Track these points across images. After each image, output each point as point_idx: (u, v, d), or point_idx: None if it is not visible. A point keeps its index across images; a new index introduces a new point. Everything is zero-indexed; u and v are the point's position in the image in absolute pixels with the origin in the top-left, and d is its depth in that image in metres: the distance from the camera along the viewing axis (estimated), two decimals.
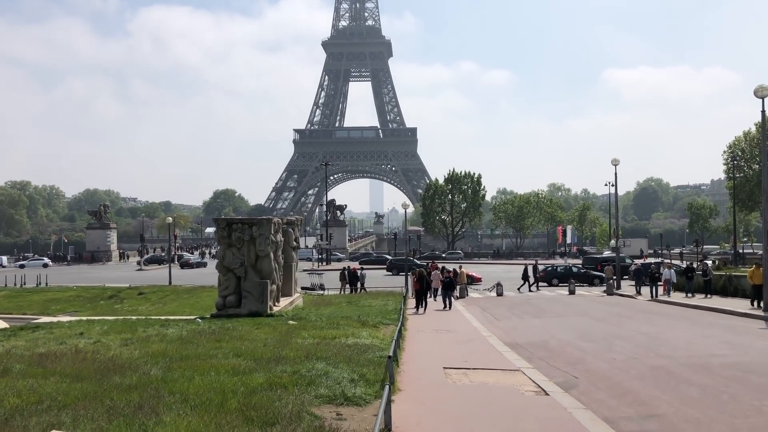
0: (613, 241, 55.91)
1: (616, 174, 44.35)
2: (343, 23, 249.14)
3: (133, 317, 24.36)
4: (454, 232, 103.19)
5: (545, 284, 46.14)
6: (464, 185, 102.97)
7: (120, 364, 12.31)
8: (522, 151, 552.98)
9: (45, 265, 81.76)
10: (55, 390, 10.08)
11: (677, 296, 33.70)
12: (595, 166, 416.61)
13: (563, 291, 40.36)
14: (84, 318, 24.87)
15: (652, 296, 34.36)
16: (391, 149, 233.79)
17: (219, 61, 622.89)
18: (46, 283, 48.54)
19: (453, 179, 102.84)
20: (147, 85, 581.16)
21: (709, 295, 32.52)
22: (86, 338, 16.46)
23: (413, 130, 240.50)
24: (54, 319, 25.93)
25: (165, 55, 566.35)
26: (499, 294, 37.79)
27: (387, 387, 8.18)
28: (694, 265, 38.66)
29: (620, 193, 69.71)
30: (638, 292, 36.60)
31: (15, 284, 48.44)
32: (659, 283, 34.99)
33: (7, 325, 24.87)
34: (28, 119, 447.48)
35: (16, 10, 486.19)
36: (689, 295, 32.96)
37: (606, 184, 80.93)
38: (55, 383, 10.61)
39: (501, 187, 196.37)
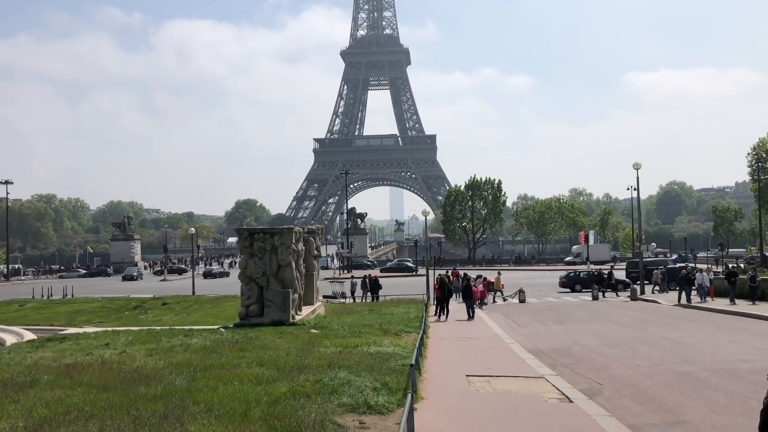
0: (632, 246, 55.29)
1: (638, 178, 44.00)
2: (361, 32, 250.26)
3: (158, 327, 24.59)
4: (475, 239, 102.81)
5: (568, 290, 45.79)
6: (485, 191, 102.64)
7: (145, 375, 12.43)
8: (543, 156, 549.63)
9: (82, 276, 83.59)
10: (82, 400, 10.21)
11: (720, 302, 31.62)
12: (617, 171, 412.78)
13: (586, 297, 40.01)
14: (109, 329, 25.16)
15: (686, 301, 32.65)
16: (410, 157, 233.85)
17: (241, 72, 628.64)
18: (72, 295, 49.20)
19: (473, 186, 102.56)
20: (170, 98, 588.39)
21: (756, 302, 30.08)
22: (112, 349, 16.65)
23: (432, 137, 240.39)
24: (80, 330, 26.27)
25: (188, 68, 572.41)
26: (522, 300, 37.56)
27: (409, 395, 8.19)
28: (730, 267, 37.44)
29: (643, 197, 69.12)
30: (688, 300, 33.14)
31: (42, 296, 49.17)
32: (693, 287, 33.10)
33: (35, 337, 25.27)
34: (55, 134, 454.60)
35: (43, 28, 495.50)
36: (733, 302, 30.67)
37: (628, 189, 79.85)
38: (82, 394, 10.75)
39: (522, 193, 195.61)
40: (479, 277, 38.41)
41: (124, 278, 75.93)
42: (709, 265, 42.23)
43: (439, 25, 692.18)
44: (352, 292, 42.20)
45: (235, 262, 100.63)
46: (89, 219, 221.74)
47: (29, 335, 26.99)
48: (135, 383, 11.56)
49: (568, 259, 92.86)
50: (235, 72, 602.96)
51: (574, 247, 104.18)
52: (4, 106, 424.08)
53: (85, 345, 17.77)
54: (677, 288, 34.87)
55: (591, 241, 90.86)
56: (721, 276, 35.53)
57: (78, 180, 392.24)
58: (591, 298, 38.33)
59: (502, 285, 40.83)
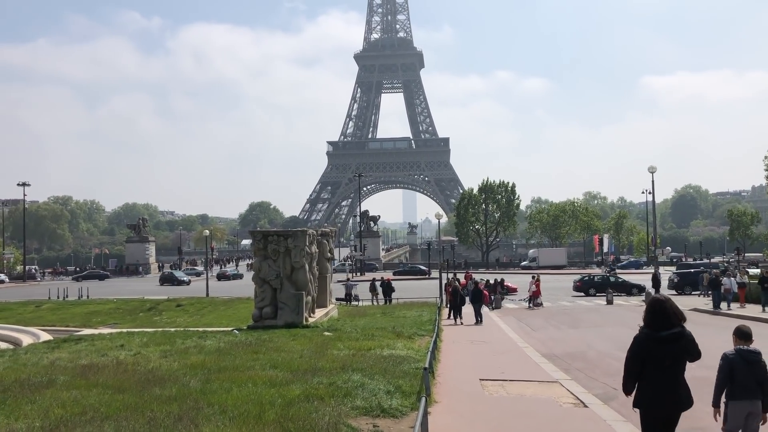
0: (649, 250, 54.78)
1: (653, 181, 43.76)
2: (375, 36, 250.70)
3: (172, 329, 24.72)
4: (489, 242, 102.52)
5: (582, 294, 45.54)
6: (498, 194, 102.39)
7: (160, 376, 12.50)
8: (557, 159, 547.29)
9: (198, 274, 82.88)
10: (98, 401, 10.29)
11: (753, 309, 30.19)
12: (631, 174, 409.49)
13: (601, 301, 39.76)
14: (124, 330, 25.33)
15: (715, 306, 31.52)
16: (423, 159, 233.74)
17: (257, 76, 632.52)
18: (88, 296, 49.59)
19: (487, 188, 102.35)
20: (187, 101, 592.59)
21: None
22: (127, 350, 16.76)
23: (446, 140, 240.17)
24: (95, 331, 26.46)
25: (205, 71, 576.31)
26: (536, 305, 37.39)
27: (423, 399, 8.16)
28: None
29: (658, 200, 68.68)
30: (714, 305, 32.07)
31: (58, 297, 49.58)
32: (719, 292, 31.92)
33: (51, 337, 25.49)
34: (72, 136, 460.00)
35: (62, 32, 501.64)
36: (765, 309, 29.36)
37: (643, 192, 79.73)
38: (98, 394, 10.83)
39: (536, 196, 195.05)
40: (535, 276, 38.64)
41: (219, 278, 74.79)
42: (738, 268, 40.52)
43: (455, 29, 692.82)
44: (348, 294, 42.16)
45: (249, 265, 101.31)
46: (104, 221, 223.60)
47: (45, 336, 27.23)
48: (150, 384, 11.63)
49: (523, 263, 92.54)
50: (252, 75, 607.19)
51: (530, 251, 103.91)
52: (24, 109, 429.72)
53: (101, 346, 17.90)
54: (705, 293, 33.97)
55: (605, 246, 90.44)
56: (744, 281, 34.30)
57: (94, 182, 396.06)
58: (605, 302, 38.09)
59: (503, 287, 40.54)
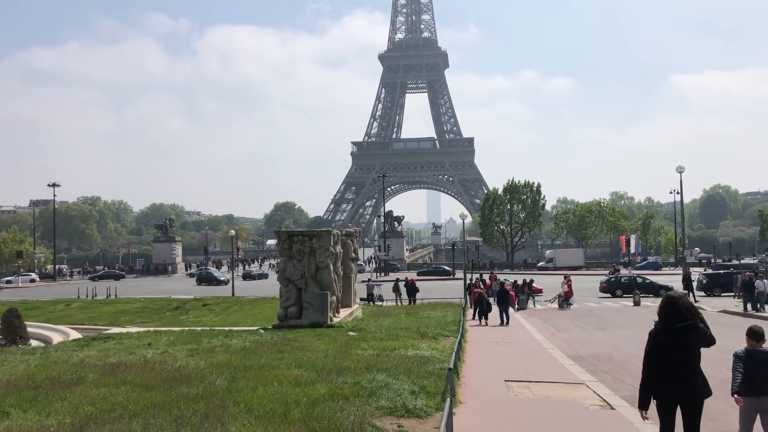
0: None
1: (681, 181, 43.20)
2: (399, 36, 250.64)
3: (198, 328, 24.99)
4: (514, 243, 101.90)
5: (609, 295, 45.04)
6: (523, 195, 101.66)
7: (186, 374, 12.63)
8: (583, 159, 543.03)
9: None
10: (126, 399, 10.43)
11: None
12: (659, 174, 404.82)
13: (627, 302, 39.28)
14: (151, 329, 25.66)
15: (747, 309, 30.56)
16: (448, 160, 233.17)
17: (282, 77, 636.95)
18: (115, 295, 50.31)
19: (512, 189, 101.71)
20: (213, 102, 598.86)
21: None
22: (154, 349, 16.97)
23: (470, 140, 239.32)
24: (123, 330, 26.86)
25: (231, 72, 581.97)
26: (560, 305, 37.09)
27: (448, 399, 8.14)
28: None
29: (686, 200, 67.67)
30: (745, 308, 31.01)
31: (87, 296, 50.38)
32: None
33: (80, 336, 25.95)
34: (100, 137, 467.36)
35: (91, 34, 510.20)
36: None
37: (671, 192, 78.57)
38: (126, 392, 10.98)
39: (561, 196, 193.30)
40: (567, 277, 38.41)
41: (245, 278, 75.00)
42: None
43: (481, 29, 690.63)
44: (370, 294, 42.18)
45: (272, 264, 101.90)
46: (132, 221, 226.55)
47: (75, 334, 27.72)
48: (177, 383, 11.75)
49: (540, 264, 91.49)
50: (277, 76, 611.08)
51: (547, 252, 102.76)
52: (54, 111, 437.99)
53: (129, 345, 18.14)
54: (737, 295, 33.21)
55: (632, 246, 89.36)
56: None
57: (122, 183, 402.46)
58: (632, 304, 37.62)
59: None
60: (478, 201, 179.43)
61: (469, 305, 34.66)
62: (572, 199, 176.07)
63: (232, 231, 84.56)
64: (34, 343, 25.95)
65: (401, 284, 42.83)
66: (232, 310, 37.05)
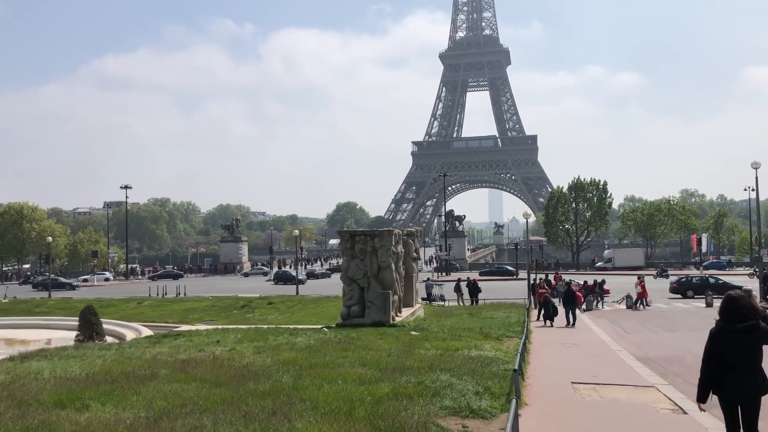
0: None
1: (756, 177, 41.28)
2: (460, 34, 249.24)
3: (264, 326, 25.48)
4: (579, 242, 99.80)
5: (679, 296, 43.58)
6: (589, 193, 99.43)
7: (254, 371, 12.91)
8: (651, 156, 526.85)
9: (265, 273, 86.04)
10: (197, 395, 10.73)
11: None
12: (732, 170, 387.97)
13: (699, 303, 37.91)
14: (219, 326, 26.30)
15: None
16: (510, 158, 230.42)
17: (344, 78, 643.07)
18: (185, 294, 51.81)
19: (577, 187, 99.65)
20: (277, 105, 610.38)
21: None
22: (222, 346, 17.40)
23: (533, 138, 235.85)
24: (192, 328, 27.66)
25: (294, 75, 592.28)
26: (629, 306, 36.10)
27: (514, 401, 8.04)
28: None
29: (762, 197, 64.52)
30: None
31: (158, 294, 52.08)
32: None
33: (152, 333, 26.87)
34: (169, 140, 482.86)
35: (161, 41, 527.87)
36: None
37: (745, 189, 75.28)
38: (197, 388, 11.30)
39: (629, 194, 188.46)
40: (640, 277, 37.53)
41: (308, 276, 74.32)
42: None
43: (544, 24, 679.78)
44: (429, 294, 41.99)
45: (330, 264, 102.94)
46: (200, 221, 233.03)
47: (147, 331, 28.72)
48: (244, 379, 12.02)
49: (598, 264, 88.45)
50: (339, 78, 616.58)
51: (606, 251, 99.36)
52: (126, 116, 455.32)
53: (198, 342, 18.66)
54: None
55: (704, 246, 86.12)
56: None
57: (190, 184, 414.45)
58: (704, 305, 36.28)
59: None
60: (541, 200, 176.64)
61: (533, 306, 34.18)
62: (640, 197, 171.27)
63: (296, 231, 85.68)
64: (109, 339, 27.02)
65: (463, 284, 42.58)
66: (296, 309, 37.59)
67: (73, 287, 70.66)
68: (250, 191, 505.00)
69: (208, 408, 9.78)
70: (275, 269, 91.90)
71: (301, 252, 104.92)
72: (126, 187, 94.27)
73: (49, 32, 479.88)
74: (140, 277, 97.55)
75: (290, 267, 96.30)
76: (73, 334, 27.77)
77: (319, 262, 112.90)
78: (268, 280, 75.68)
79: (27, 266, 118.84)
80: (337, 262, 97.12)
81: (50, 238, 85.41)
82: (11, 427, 8.70)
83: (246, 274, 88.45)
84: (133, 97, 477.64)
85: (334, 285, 51.63)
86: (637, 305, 35.49)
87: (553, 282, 40.59)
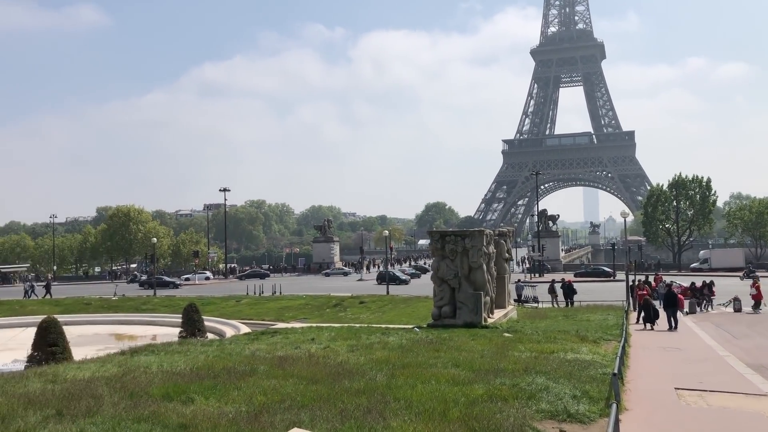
0: None
1: None
2: (552, 29, 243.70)
3: (356, 325, 25.82)
4: (681, 242, 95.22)
5: None
6: (691, 190, 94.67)
7: (348, 369, 13.11)
8: (760, 150, 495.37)
9: (345, 274, 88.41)
10: (294, 391, 11.02)
11: None
12: None
13: None
14: (314, 325, 26.88)
15: None
16: (606, 155, 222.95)
17: (434, 78, 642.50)
18: (280, 292, 53.31)
19: (678, 184, 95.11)
20: (367, 107, 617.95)
21: None
22: (317, 344, 17.77)
23: (630, 134, 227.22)
24: (288, 325, 28.40)
25: (383, 77, 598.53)
26: (737, 310, 34.13)
27: (614, 405, 7.79)
28: None
29: None
30: None
31: (254, 293, 53.86)
32: None
33: (250, 330, 27.80)
34: (265, 144, 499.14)
35: (256, 48, 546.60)
36: None
37: None
38: (294, 384, 11.60)
39: (735, 191, 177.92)
40: (754, 279, 35.86)
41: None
42: None
43: (641, 16, 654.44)
44: (519, 296, 41.08)
45: (416, 263, 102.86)
46: (294, 222, 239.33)
47: (245, 329, 29.74)
48: (339, 377, 12.23)
49: (693, 265, 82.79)
50: (428, 78, 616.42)
51: (701, 252, 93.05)
52: (224, 121, 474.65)
53: (294, 339, 19.14)
54: None
55: None
56: None
57: (284, 186, 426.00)
58: None
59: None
60: (640, 198, 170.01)
61: (632, 308, 32.94)
62: (748, 194, 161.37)
63: (386, 231, 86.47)
64: (210, 336, 28.14)
65: (557, 285, 41.57)
66: (387, 308, 37.89)
67: (176, 286, 74.09)
68: (341, 192, 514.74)
69: (305, 404, 10.02)
70: (371, 269, 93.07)
71: (391, 252, 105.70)
72: (224, 190, 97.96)
73: (152, 43, 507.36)
74: (238, 275, 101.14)
75: (379, 267, 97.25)
76: (177, 330, 29.10)
77: (409, 262, 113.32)
78: (359, 280, 76.63)
79: (134, 265, 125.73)
80: (425, 263, 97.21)
81: (155, 239, 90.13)
82: (125, 416, 9.24)
83: (327, 274, 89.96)
84: (230, 102, 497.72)
85: (423, 285, 51.72)
86: (759, 308, 33.51)
87: (653, 284, 38.93)
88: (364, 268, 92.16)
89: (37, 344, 19.71)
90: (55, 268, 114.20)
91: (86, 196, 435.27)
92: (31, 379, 12.44)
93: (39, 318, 23.63)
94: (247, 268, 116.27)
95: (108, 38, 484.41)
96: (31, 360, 19.20)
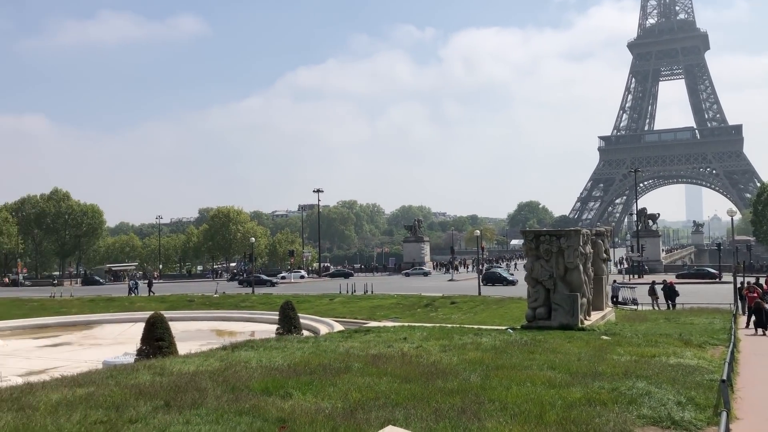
0: None
1: None
2: (651, 21, 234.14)
3: (448, 325, 25.74)
4: None
5: None
6: None
7: (441, 369, 13.10)
8: None
9: (426, 274, 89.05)
10: (388, 389, 11.12)
11: None
12: None
13: None
14: (405, 324, 27.04)
15: None
16: (710, 150, 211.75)
17: (526, 75, 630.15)
18: (371, 291, 53.93)
19: None
20: (457, 106, 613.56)
21: None
22: (409, 343, 17.85)
23: (737, 128, 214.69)
24: (380, 324, 28.71)
25: (474, 76, 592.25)
26: None
27: (724, 413, 7.40)
28: None
29: None
30: None
31: (347, 292, 54.78)
32: None
33: (343, 328, 28.31)
34: (356, 146, 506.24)
35: (347, 51, 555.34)
36: None
37: None
38: (387, 383, 11.71)
39: None
40: None
41: None
42: None
43: (750, 2, 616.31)
44: (614, 297, 39.45)
45: (511, 264, 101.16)
46: (384, 222, 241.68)
47: (338, 326, 30.32)
48: (432, 377, 12.24)
49: None
50: (520, 75, 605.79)
51: None
52: (317, 124, 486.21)
53: (386, 338, 19.31)
54: None
55: None
56: None
57: (375, 186, 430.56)
58: None
59: None
60: (748, 195, 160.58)
61: (741, 312, 31.15)
62: None
63: (477, 231, 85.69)
64: (305, 333, 28.86)
65: (658, 287, 39.85)
66: (479, 309, 37.56)
67: (273, 284, 76.37)
68: (431, 192, 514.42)
69: (399, 402, 10.10)
70: (460, 269, 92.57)
71: (482, 252, 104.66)
72: (318, 191, 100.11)
73: (249, 50, 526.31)
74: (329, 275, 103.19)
75: (470, 267, 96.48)
76: (274, 327, 30.00)
77: (501, 263, 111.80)
78: (450, 280, 76.32)
79: (233, 264, 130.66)
80: (515, 264, 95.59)
81: (253, 239, 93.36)
82: (227, 409, 9.63)
83: (407, 274, 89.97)
84: (324, 105, 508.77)
85: (516, 287, 50.94)
86: None
87: (765, 286, 36.58)
88: (455, 268, 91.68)
89: (145, 338, 20.83)
90: (161, 266, 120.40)
91: (189, 198, 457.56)
92: (141, 372, 13.18)
93: (146, 314, 24.97)
94: (339, 267, 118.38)
95: (208, 46, 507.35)
96: (140, 353, 20.32)
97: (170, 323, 22.06)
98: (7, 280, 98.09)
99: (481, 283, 54.22)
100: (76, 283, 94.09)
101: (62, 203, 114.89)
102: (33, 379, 14.55)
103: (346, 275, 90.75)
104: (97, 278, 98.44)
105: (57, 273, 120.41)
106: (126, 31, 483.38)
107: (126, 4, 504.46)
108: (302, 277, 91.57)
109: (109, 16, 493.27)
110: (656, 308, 37.96)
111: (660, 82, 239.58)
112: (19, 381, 16.01)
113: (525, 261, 26.49)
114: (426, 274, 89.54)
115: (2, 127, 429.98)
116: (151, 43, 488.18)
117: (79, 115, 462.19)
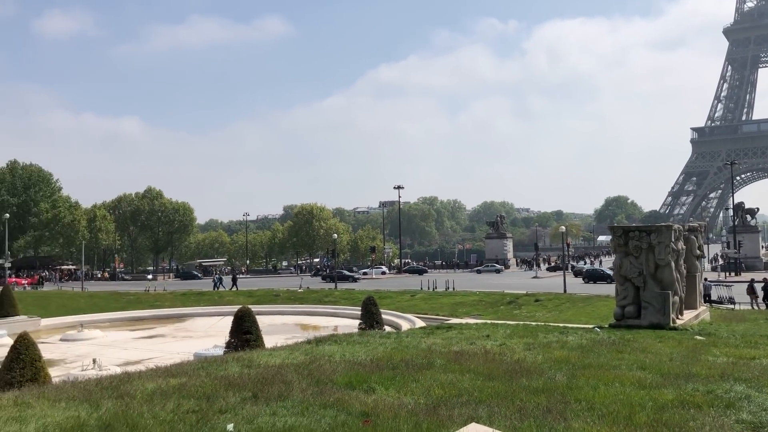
0: None
1: None
2: (749, 5, 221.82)
3: (532, 323, 25.31)
4: None
5: None
6: None
7: (525, 368, 12.88)
8: None
9: (498, 271, 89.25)
10: (471, 386, 11.04)
11: None
12: None
13: None
14: (488, 321, 26.76)
15: None
16: None
17: (613, 66, 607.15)
18: (453, 288, 53.73)
19: None
20: (541, 99, 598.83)
21: None
22: (492, 340, 17.65)
23: None
24: (462, 321, 28.55)
25: (559, 68, 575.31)
26: None
27: None
28: None
29: None
30: None
31: (428, 288, 54.79)
32: None
33: (424, 324, 28.36)
34: (437, 142, 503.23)
35: (428, 47, 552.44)
36: None
37: None
38: (470, 380, 11.62)
39: None
40: None
41: (576, 275, 69.06)
42: None
43: None
44: (706, 296, 37.52)
45: (596, 261, 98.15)
46: (465, 218, 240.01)
47: (419, 322, 30.41)
48: (516, 375, 12.05)
49: None
50: (607, 66, 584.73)
51: None
52: (398, 120, 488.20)
53: (468, 335, 19.16)
54: None
55: None
56: None
57: (456, 182, 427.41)
58: None
59: None
60: None
61: None
62: None
63: (562, 227, 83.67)
64: (386, 328, 29.09)
65: (758, 285, 37.78)
66: (564, 307, 36.76)
67: (355, 279, 77.49)
68: (513, 188, 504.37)
69: (482, 400, 10.00)
70: (541, 266, 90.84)
71: (568, 249, 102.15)
72: (398, 188, 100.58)
73: (331, 50, 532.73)
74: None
75: (554, 262, 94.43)
76: (356, 322, 30.42)
77: (587, 260, 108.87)
78: (534, 277, 75.01)
79: (317, 260, 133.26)
80: (603, 260, 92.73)
81: (335, 235, 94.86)
82: (312, 402, 9.83)
83: (479, 271, 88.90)
84: (405, 102, 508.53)
85: (604, 284, 49.53)
86: None
87: None
88: (538, 265, 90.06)
89: (233, 331, 21.56)
90: (248, 262, 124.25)
91: (274, 195, 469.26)
92: (229, 363, 13.64)
93: (234, 308, 25.84)
94: (420, 263, 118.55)
95: (293, 47, 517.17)
96: (229, 346, 21.05)
97: (257, 317, 22.74)
98: (106, 274, 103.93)
99: (582, 281, 52.78)
100: (169, 277, 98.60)
101: (155, 201, 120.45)
102: (130, 368, 15.34)
103: (420, 272, 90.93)
104: (195, 272, 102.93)
105: (151, 268, 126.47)
106: (214, 35, 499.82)
107: (214, 8, 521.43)
108: (383, 272, 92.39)
109: (197, 21, 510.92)
110: (756, 308, 36.05)
111: (759, 69, 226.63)
112: (118, 370, 16.96)
113: (613, 258, 25.66)
114: (498, 271, 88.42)
115: (101, 130, 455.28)
116: (238, 45, 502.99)
117: (171, 117, 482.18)
